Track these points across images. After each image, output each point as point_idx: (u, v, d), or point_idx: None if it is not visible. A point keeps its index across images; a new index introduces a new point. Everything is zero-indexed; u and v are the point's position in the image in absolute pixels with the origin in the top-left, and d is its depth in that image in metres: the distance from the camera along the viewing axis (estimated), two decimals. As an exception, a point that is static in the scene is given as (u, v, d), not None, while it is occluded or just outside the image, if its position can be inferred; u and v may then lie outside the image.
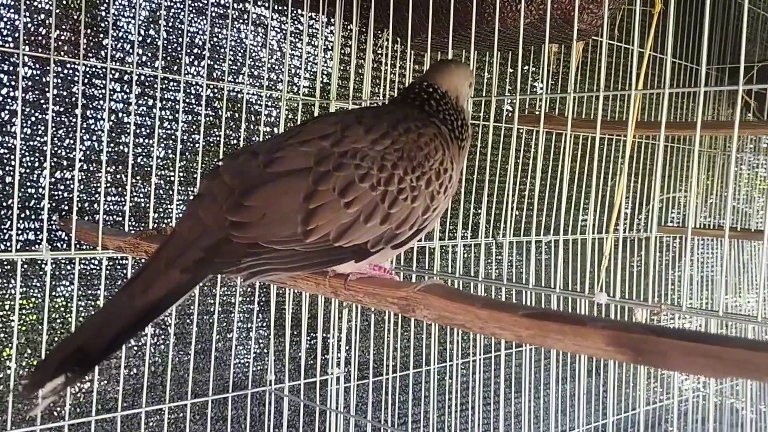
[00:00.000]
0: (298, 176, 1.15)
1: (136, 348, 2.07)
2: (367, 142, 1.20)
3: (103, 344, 1.08)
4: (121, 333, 1.10)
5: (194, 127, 2.14)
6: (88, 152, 1.97)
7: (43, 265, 1.88)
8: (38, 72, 1.87)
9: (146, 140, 2.06)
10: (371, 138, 1.21)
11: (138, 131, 2.04)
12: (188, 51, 2.11)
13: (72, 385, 1.09)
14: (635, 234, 3.37)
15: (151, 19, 2.05)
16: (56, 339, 1.93)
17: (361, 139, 1.20)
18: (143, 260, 2.01)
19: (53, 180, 1.90)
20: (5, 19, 1.81)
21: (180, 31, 2.09)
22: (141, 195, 2.07)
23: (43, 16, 1.85)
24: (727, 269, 2.74)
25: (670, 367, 0.93)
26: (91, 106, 1.95)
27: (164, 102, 2.09)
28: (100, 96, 1.96)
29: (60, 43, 1.88)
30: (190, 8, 2.11)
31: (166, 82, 2.08)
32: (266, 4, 2.23)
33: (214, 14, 2.15)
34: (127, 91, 2.00)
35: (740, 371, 0.87)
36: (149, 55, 2.05)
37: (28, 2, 1.82)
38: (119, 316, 1.11)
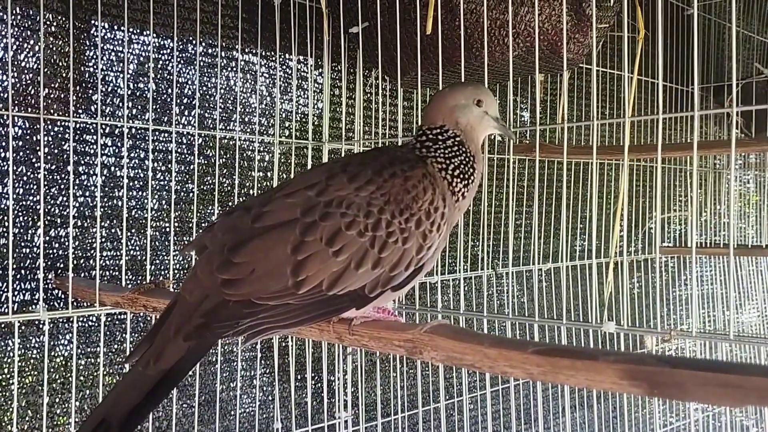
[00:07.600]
0: (285, 228, 1.16)
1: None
2: (351, 189, 1.20)
3: (123, 415, 1.08)
4: (141, 404, 1.10)
5: (187, 176, 2.13)
6: (81, 208, 1.95)
7: (40, 326, 1.85)
8: (28, 131, 1.86)
9: (140, 192, 2.05)
10: (355, 185, 1.21)
11: (131, 184, 2.03)
12: (178, 101, 2.11)
13: None
14: (634, 256, 3.36)
15: (139, 72, 2.05)
16: (57, 400, 1.90)
17: (345, 187, 1.20)
18: (144, 315, 1.99)
19: (47, 238, 1.88)
20: (-6, 81, 1.81)
21: (169, 82, 2.09)
22: (137, 248, 2.05)
23: (31, 75, 1.85)
24: (729, 287, 2.73)
25: (688, 398, 0.91)
26: (82, 162, 1.95)
27: (156, 153, 2.08)
28: (92, 152, 1.95)
29: (49, 101, 1.87)
30: (179, 59, 2.11)
31: (157, 133, 2.07)
32: (254, 50, 2.24)
33: (202, 64, 2.16)
34: (119, 144, 2.00)
35: (760, 399, 0.86)
36: (139, 107, 2.05)
37: (16, 62, 1.82)
38: (136, 386, 1.12)
